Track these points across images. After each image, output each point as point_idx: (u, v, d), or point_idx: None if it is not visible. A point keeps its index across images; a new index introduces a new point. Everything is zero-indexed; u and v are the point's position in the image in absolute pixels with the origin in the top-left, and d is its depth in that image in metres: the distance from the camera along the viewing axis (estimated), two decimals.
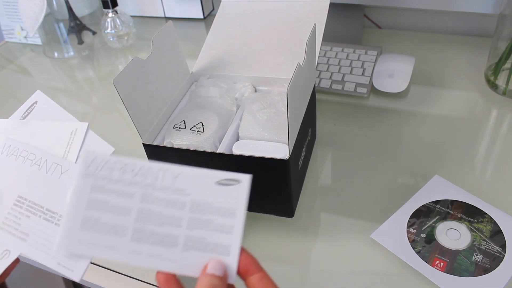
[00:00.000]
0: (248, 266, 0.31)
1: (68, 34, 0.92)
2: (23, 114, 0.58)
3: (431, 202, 0.52)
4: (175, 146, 0.50)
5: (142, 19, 1.03)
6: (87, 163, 0.33)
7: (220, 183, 0.31)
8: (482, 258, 0.46)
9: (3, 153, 0.42)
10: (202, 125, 0.52)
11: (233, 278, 0.31)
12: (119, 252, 0.31)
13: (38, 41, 0.97)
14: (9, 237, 0.38)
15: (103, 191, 0.32)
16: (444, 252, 0.47)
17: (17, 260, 0.38)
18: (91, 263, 0.51)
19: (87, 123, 0.52)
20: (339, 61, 0.75)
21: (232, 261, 0.31)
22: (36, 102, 0.58)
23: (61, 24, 0.91)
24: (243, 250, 0.31)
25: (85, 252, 0.31)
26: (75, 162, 0.43)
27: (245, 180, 0.31)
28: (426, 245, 0.47)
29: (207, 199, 0.31)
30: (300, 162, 0.52)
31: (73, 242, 0.31)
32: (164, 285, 0.31)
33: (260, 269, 0.31)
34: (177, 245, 0.31)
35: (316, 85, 0.72)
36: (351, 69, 0.73)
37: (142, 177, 0.32)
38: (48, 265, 0.36)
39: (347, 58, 0.75)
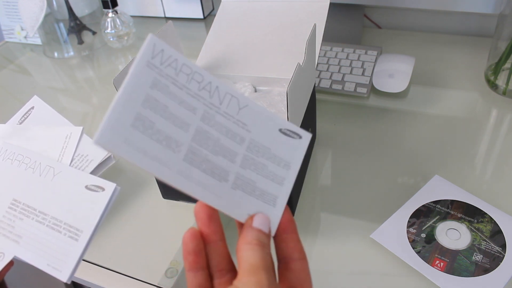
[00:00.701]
0: (287, 223, 0.30)
1: (68, 34, 0.92)
2: (20, 119, 0.58)
3: (431, 202, 0.52)
4: None
5: (142, 19, 1.03)
6: (154, 51, 0.26)
7: (283, 131, 0.30)
8: (482, 258, 0.46)
9: (0, 156, 0.43)
10: None
11: (273, 232, 0.29)
12: (167, 169, 0.26)
13: (38, 41, 0.97)
14: (3, 240, 0.39)
15: (165, 92, 0.26)
16: (444, 252, 0.47)
17: (11, 263, 0.39)
18: (91, 263, 0.51)
19: (81, 127, 0.52)
20: (339, 61, 0.75)
21: (276, 213, 0.29)
22: (33, 108, 0.59)
23: (61, 24, 0.91)
24: (286, 207, 0.30)
25: (130, 156, 0.25)
26: (69, 165, 0.44)
27: (306, 137, 0.30)
28: (426, 245, 0.47)
29: (266, 143, 0.29)
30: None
31: (118, 137, 0.25)
32: (205, 221, 0.29)
33: (296, 231, 0.30)
34: (227, 180, 0.28)
35: (316, 85, 0.72)
36: (351, 69, 0.73)
37: (207, 93, 0.28)
38: (38, 266, 0.37)
39: (347, 58, 0.75)
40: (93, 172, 0.55)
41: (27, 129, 0.56)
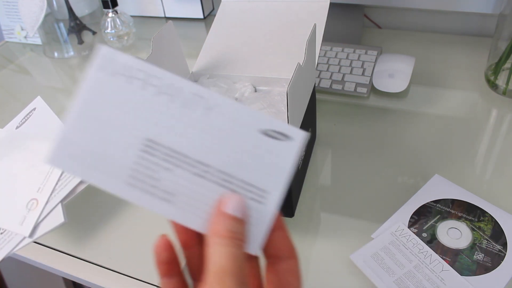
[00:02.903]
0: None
1: (68, 34, 0.92)
2: (21, 121, 0.58)
3: (431, 201, 0.52)
4: None
5: (142, 19, 1.03)
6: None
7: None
8: (484, 257, 0.46)
9: (105, 69, 0.28)
10: None
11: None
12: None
13: (38, 41, 0.97)
14: (147, 198, 0.27)
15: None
16: (446, 251, 0.47)
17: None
18: (92, 263, 0.51)
19: None
20: (339, 61, 0.75)
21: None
22: (34, 109, 0.58)
23: (61, 24, 0.91)
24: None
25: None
26: (58, 180, 0.42)
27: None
28: (427, 244, 0.47)
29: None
30: (300, 162, 0.52)
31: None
32: (180, 226, 0.27)
33: (283, 227, 0.26)
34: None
35: (316, 85, 0.72)
36: (351, 69, 0.73)
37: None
38: (199, 229, 0.27)
39: (347, 58, 0.75)
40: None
41: (22, 138, 0.55)
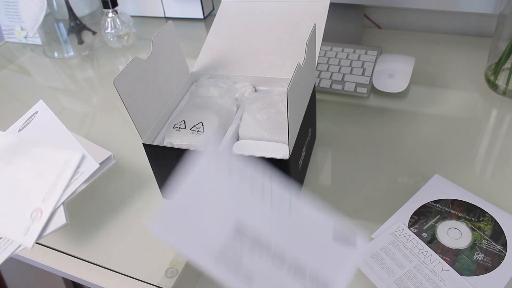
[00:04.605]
0: None
1: (68, 34, 0.92)
2: (23, 124, 0.57)
3: (431, 201, 0.52)
4: (175, 146, 0.50)
5: (142, 19, 1.03)
6: None
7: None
8: (484, 257, 0.46)
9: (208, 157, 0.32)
10: (202, 125, 0.52)
11: None
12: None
13: (38, 41, 0.97)
14: (229, 277, 0.29)
15: None
16: (446, 251, 0.47)
17: None
18: (91, 263, 0.51)
19: (81, 154, 0.51)
20: (339, 61, 0.75)
21: None
22: (36, 112, 0.58)
23: (61, 24, 0.91)
24: None
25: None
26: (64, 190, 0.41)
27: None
28: (427, 244, 0.47)
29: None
30: (300, 162, 0.52)
31: None
32: None
33: None
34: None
35: (316, 85, 0.72)
36: (351, 69, 0.73)
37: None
38: None
39: (347, 58, 0.75)
40: (90, 177, 0.52)
41: (28, 144, 0.54)
